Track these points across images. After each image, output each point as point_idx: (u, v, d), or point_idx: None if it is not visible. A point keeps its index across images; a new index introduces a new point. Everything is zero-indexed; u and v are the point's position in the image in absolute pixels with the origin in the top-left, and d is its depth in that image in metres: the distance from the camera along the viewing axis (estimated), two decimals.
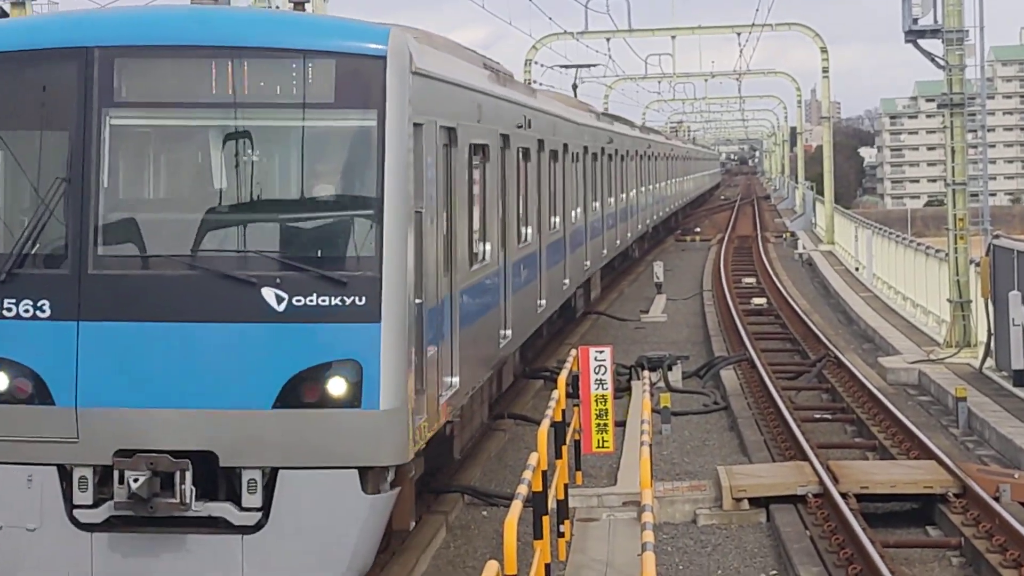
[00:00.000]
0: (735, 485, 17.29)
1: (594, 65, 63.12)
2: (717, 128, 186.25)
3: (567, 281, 27.47)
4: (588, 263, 31.48)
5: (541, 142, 23.48)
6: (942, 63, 29.74)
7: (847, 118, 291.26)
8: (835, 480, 17.24)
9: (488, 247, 17.69)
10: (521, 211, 21.35)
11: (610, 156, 37.06)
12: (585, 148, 31.22)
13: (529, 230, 21.98)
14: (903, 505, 17.52)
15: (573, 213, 28.62)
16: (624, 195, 41.41)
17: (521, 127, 20.76)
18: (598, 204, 33.95)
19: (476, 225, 17.02)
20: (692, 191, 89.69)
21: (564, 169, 27.05)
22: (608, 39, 68.52)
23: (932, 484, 17.21)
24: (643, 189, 49.32)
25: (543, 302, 23.80)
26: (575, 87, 53.17)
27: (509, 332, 19.40)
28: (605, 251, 35.83)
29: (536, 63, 67.82)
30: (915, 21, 29.81)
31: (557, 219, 26.20)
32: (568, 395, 17.44)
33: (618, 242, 40.07)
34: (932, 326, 32.59)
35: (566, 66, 59.09)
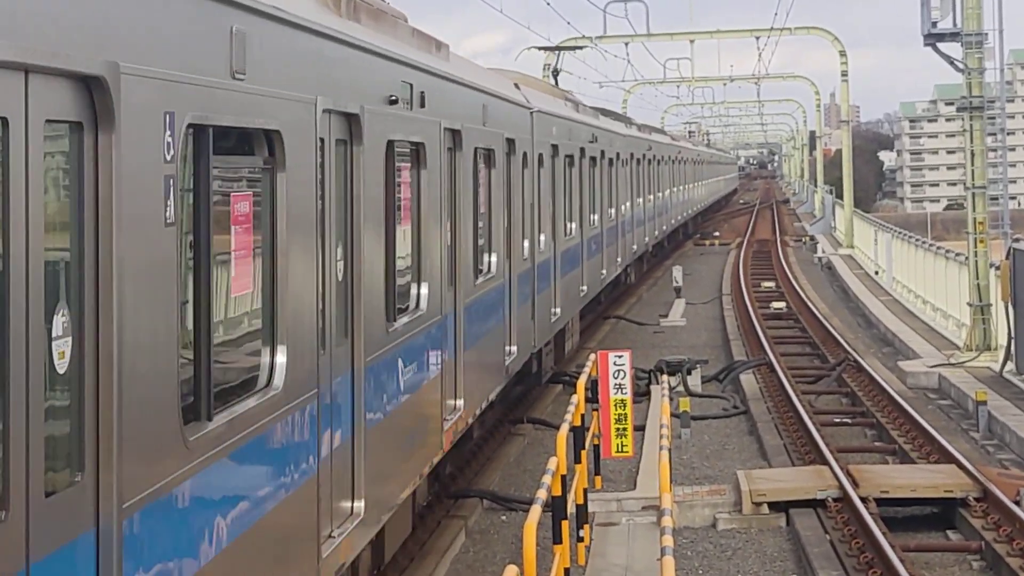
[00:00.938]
0: (755, 489, 17.27)
1: (579, 48, 55.76)
2: (736, 132, 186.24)
3: (514, 349, 19.35)
4: (557, 310, 23.68)
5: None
6: (961, 66, 29.68)
7: (866, 122, 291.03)
8: (855, 484, 17.21)
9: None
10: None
11: (593, 159, 29.57)
12: (555, 147, 23.72)
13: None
14: (923, 509, 17.48)
15: (526, 245, 20.45)
16: (612, 210, 33.31)
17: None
18: (575, 225, 26.37)
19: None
20: (703, 199, 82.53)
21: (511, 177, 19.20)
22: (627, 44, 68.56)
23: (952, 488, 17.17)
24: (640, 200, 41.49)
25: (513, 348, 19.10)
26: (556, 73, 38.08)
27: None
28: (585, 287, 27.75)
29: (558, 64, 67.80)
30: (934, 24, 29.77)
31: (493, 258, 18.17)
32: (587, 399, 17.40)
33: (603, 272, 31.08)
34: (952, 330, 32.52)
35: (546, 48, 49.61)
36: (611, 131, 33.80)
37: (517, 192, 19.56)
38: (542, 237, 21.61)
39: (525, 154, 20.35)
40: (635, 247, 39.65)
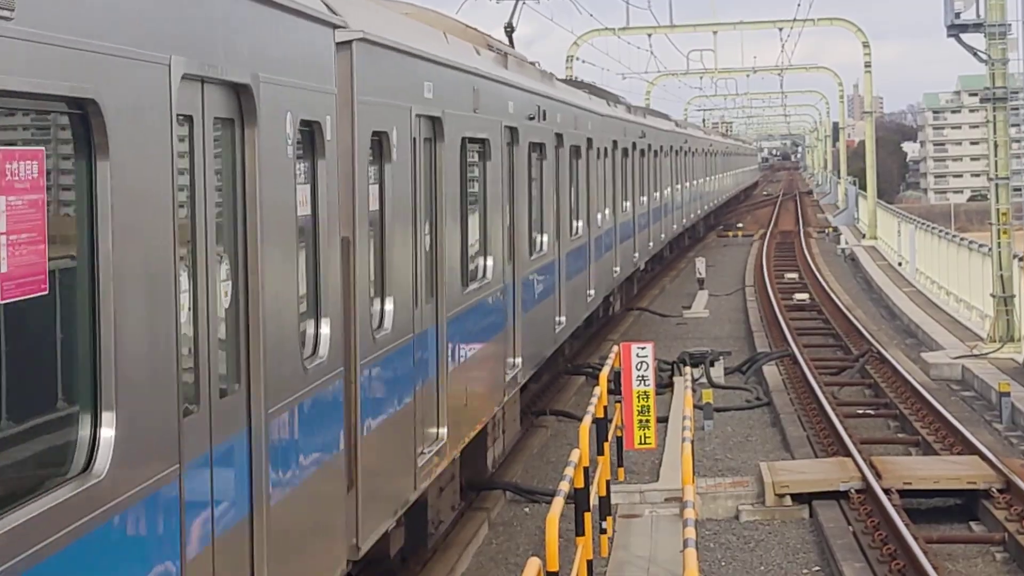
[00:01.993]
0: (778, 481, 17.27)
1: None
2: (759, 123, 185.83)
3: (563, 319, 22.01)
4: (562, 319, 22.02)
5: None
6: (984, 57, 29.61)
7: (890, 113, 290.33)
8: (878, 476, 17.20)
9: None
10: None
11: (555, 150, 21.51)
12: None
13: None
14: (946, 501, 17.46)
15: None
16: (585, 221, 24.83)
17: None
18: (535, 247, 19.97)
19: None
20: (716, 196, 72.29)
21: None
22: (650, 35, 68.53)
23: (975, 479, 17.15)
24: (629, 205, 32.97)
25: (562, 319, 21.61)
26: (510, 30, 25.82)
27: None
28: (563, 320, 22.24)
29: (577, 59, 67.82)
30: (957, 15, 29.71)
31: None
32: (610, 391, 17.44)
33: (556, 327, 21.83)
34: (975, 321, 32.45)
35: None
36: (567, 103, 22.82)
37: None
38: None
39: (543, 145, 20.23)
40: (615, 272, 29.82)
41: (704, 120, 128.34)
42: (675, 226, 46.65)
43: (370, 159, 10.78)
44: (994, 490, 16.83)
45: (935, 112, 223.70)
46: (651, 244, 38.56)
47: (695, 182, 56.16)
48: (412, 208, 12.01)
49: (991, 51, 29.49)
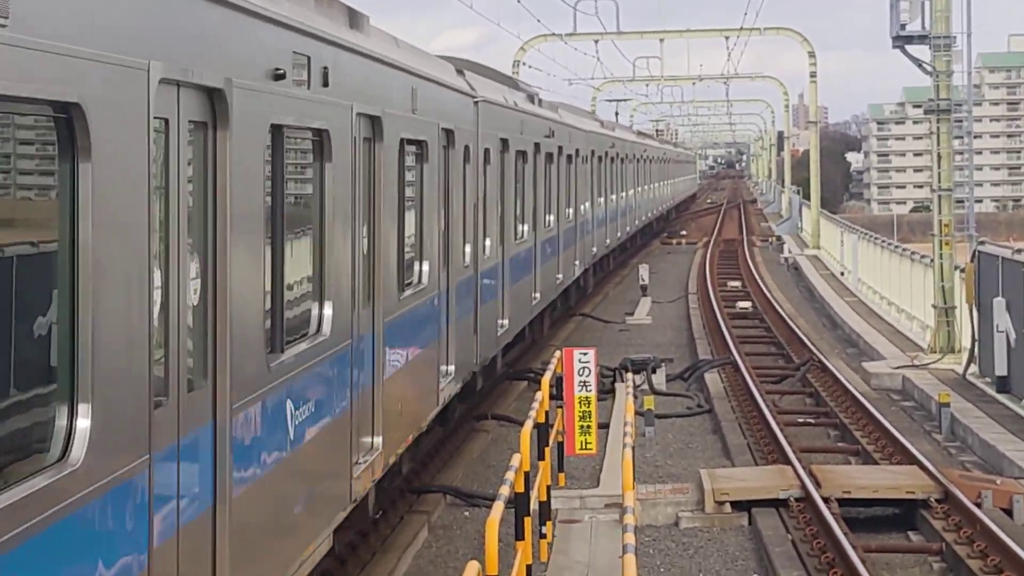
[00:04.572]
0: (718, 488, 17.29)
1: None
2: (704, 131, 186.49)
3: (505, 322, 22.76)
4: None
5: None
6: (929, 69, 29.79)
7: (835, 123, 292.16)
8: (817, 485, 17.24)
9: None
10: None
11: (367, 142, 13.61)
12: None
13: None
14: (885, 510, 17.52)
15: None
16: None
17: None
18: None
19: None
20: (642, 215, 58.32)
21: None
22: (596, 41, 68.62)
23: (914, 489, 17.23)
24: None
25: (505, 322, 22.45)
26: None
27: None
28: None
29: (524, 64, 67.85)
30: (903, 27, 29.89)
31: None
32: (552, 396, 17.42)
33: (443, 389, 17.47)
34: (916, 331, 32.64)
35: None
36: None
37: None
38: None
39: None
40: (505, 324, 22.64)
41: (661, 132, 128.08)
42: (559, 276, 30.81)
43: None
44: (932, 500, 16.90)
45: (879, 123, 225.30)
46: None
47: (623, 195, 46.95)
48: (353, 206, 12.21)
49: (936, 63, 29.67)
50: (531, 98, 28.06)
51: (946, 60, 29.66)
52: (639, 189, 55.66)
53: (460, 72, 19.18)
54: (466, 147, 18.46)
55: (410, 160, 14.90)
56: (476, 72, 21.83)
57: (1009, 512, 16.90)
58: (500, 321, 21.80)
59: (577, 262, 33.81)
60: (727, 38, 69.40)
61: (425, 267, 15.63)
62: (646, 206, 59.81)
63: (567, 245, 31.75)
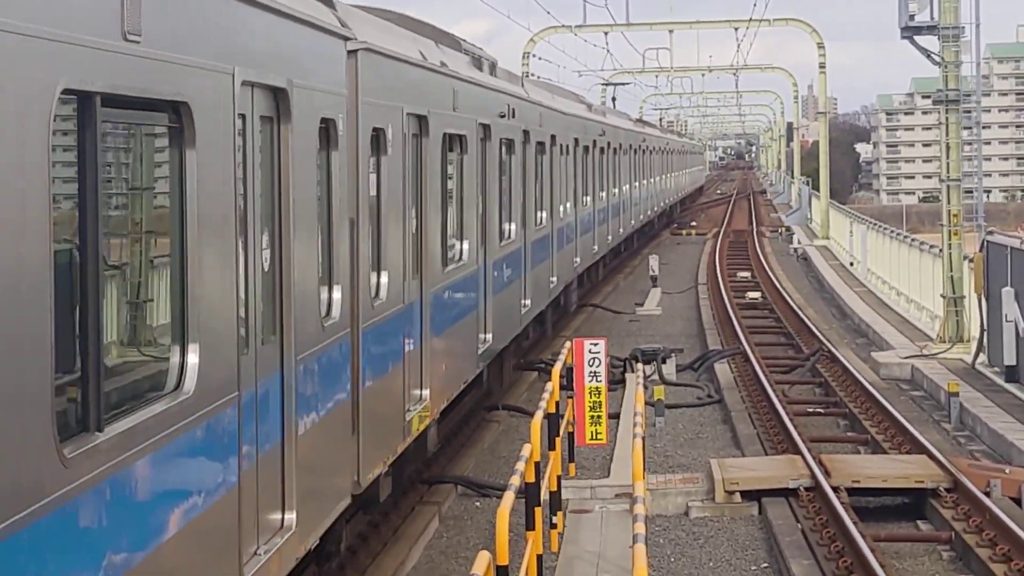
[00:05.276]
0: (728, 478, 17.35)
1: None
2: (714, 123, 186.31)
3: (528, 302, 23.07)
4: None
5: None
6: (938, 59, 29.80)
7: (844, 114, 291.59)
8: (827, 474, 17.30)
9: None
10: None
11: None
12: None
13: None
14: (894, 499, 17.58)
15: None
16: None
17: None
18: None
19: None
20: (643, 212, 52.81)
21: None
22: (606, 33, 68.60)
23: (923, 479, 17.28)
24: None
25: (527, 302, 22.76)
26: None
27: None
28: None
29: (534, 55, 67.86)
30: (912, 17, 29.89)
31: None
32: (562, 387, 17.47)
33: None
34: (925, 321, 32.67)
35: None
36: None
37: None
38: None
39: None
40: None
41: (669, 124, 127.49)
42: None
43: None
44: (941, 489, 16.95)
45: (888, 113, 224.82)
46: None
47: (615, 192, 41.00)
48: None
49: (944, 53, 29.68)
50: (477, 63, 19.61)
51: (955, 51, 29.67)
52: (637, 184, 49.37)
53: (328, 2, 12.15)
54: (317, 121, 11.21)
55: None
56: (403, 26, 15.91)
57: (1018, 501, 16.96)
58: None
59: (554, 279, 27.34)
60: (736, 29, 69.34)
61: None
62: (646, 203, 54.34)
63: (538, 260, 24.98)
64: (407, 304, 14.06)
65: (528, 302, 23.28)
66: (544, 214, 25.95)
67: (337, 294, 11.10)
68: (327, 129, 10.97)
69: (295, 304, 9.82)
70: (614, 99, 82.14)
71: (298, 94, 9.83)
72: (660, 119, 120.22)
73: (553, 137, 27.29)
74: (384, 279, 13.02)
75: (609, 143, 38.86)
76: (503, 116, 20.60)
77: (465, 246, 17.56)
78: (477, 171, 18.40)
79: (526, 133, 23.35)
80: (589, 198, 34.01)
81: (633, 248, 52.68)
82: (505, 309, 20.92)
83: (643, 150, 52.38)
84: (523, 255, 23.09)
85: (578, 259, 31.71)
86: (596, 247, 36.11)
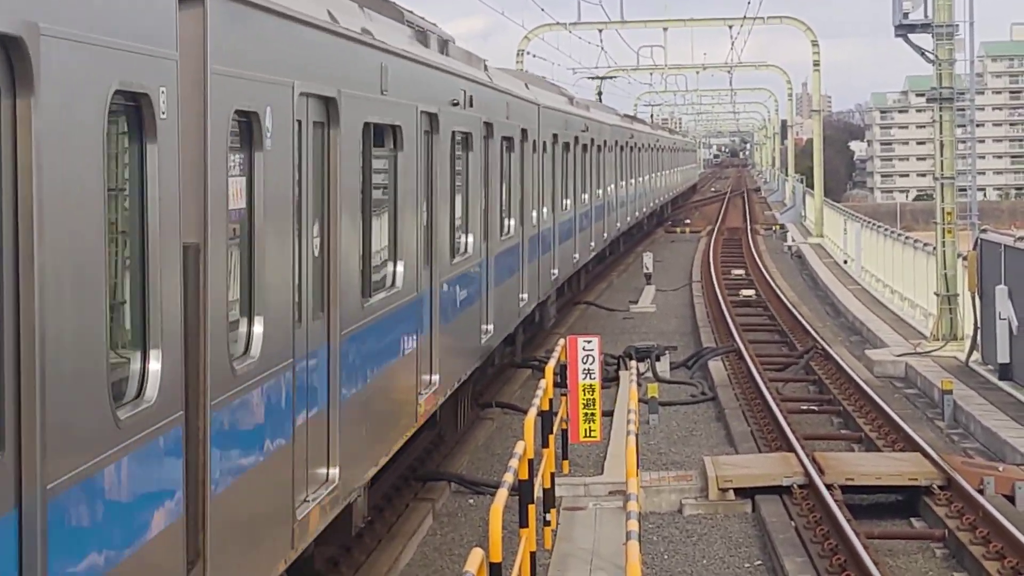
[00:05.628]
0: (721, 475, 17.35)
1: None
2: (708, 120, 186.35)
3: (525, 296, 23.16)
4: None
5: None
6: (932, 57, 29.82)
7: (838, 112, 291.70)
8: (820, 471, 17.31)
9: None
10: None
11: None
12: None
13: None
14: (888, 497, 17.59)
15: None
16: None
17: None
18: None
19: None
20: (626, 219, 47.77)
21: None
22: (600, 30, 68.56)
23: (917, 476, 17.28)
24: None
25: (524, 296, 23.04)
26: None
27: None
28: None
29: (528, 53, 67.85)
30: (906, 15, 29.91)
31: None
32: (556, 384, 17.49)
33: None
34: (919, 319, 32.69)
35: None
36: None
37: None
38: None
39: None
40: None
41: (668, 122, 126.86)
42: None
43: None
44: (935, 487, 16.96)
45: (882, 111, 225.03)
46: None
47: (599, 193, 37.28)
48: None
49: (938, 51, 29.69)
50: (422, 36, 15.93)
51: (949, 49, 29.69)
52: (624, 184, 45.17)
53: None
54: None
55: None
56: None
57: (1011, 499, 16.97)
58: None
59: (524, 295, 23.65)
60: (730, 27, 69.35)
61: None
62: (633, 204, 50.39)
63: (503, 276, 21.36)
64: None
65: (490, 327, 19.92)
66: (513, 221, 22.65)
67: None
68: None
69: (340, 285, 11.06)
70: (599, 93, 78.19)
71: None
72: (651, 115, 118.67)
73: (524, 132, 23.61)
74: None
75: (593, 140, 35.36)
76: (456, 104, 17.12)
77: (399, 268, 13.92)
78: (417, 171, 14.79)
79: (488, 126, 19.83)
80: (569, 201, 30.50)
81: (620, 251, 51.39)
82: (459, 342, 17.60)
83: (631, 147, 48.38)
84: (484, 273, 19.65)
85: (556, 271, 28.14)
86: (577, 256, 31.79)
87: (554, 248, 28.12)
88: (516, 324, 23.55)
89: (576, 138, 31.75)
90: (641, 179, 53.83)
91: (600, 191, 37.74)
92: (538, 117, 25.57)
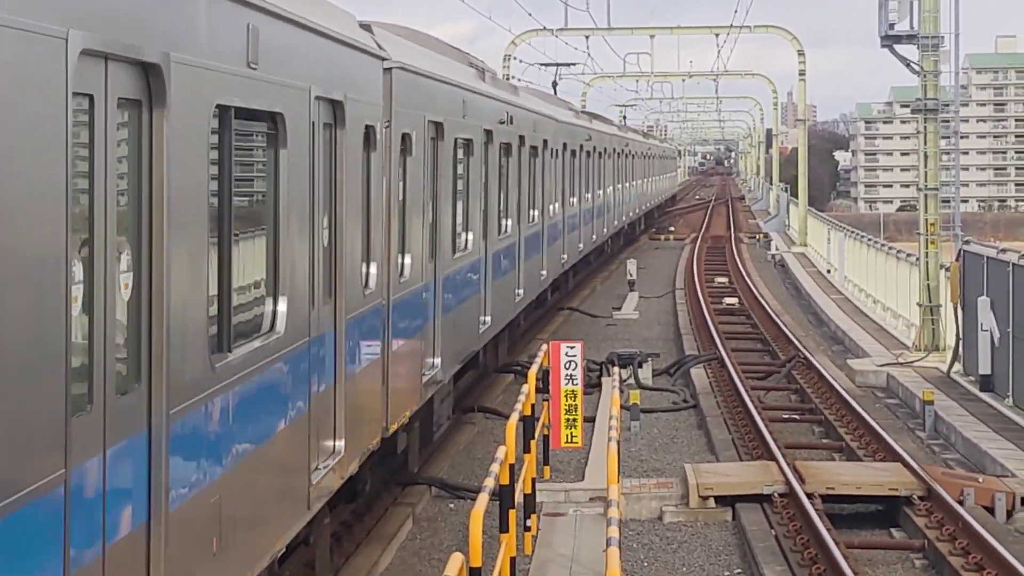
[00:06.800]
0: (702, 483, 17.36)
1: None
2: (694, 128, 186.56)
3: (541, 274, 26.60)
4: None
5: None
6: (917, 68, 29.88)
7: (823, 121, 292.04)
8: (801, 480, 17.32)
9: None
10: None
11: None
12: None
13: None
14: (868, 506, 17.61)
15: None
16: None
17: None
18: None
19: None
20: (595, 236, 41.90)
21: None
22: (587, 36, 68.58)
23: (897, 486, 17.31)
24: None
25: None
26: None
27: None
28: None
29: (514, 58, 67.85)
30: (891, 26, 29.97)
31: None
32: (538, 390, 17.46)
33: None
34: (901, 329, 32.74)
35: None
36: None
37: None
38: None
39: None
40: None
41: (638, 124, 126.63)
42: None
43: None
44: (915, 497, 16.99)
45: (867, 122, 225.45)
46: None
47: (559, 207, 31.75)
48: None
49: (923, 62, 29.76)
50: (480, 74, 20.14)
51: (934, 60, 29.76)
52: (576, 201, 36.13)
53: (367, 28, 13.81)
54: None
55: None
56: (416, 41, 17.05)
57: (991, 510, 16.99)
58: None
59: (487, 317, 21.26)
60: (717, 35, 69.44)
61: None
62: (608, 218, 46.06)
63: (508, 269, 22.76)
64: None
65: (488, 318, 20.95)
66: (536, 212, 27.74)
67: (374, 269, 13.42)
68: (368, 134, 13.10)
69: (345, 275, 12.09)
70: (555, 84, 60.09)
71: (350, 105, 12.11)
72: (622, 116, 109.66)
73: (439, 127, 18.72)
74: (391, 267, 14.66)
75: (545, 142, 28.90)
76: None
77: (407, 260, 15.37)
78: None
79: (522, 138, 25.18)
80: (511, 222, 24.37)
81: (615, 249, 49.98)
82: (459, 329, 18.88)
83: (588, 153, 39.12)
84: (518, 250, 25.01)
85: (521, 291, 25.46)
86: (521, 291, 25.72)
87: (563, 236, 32.69)
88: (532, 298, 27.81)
89: (522, 137, 25.65)
90: (616, 188, 48.87)
91: (535, 212, 28.17)
92: (462, 103, 23.08)
